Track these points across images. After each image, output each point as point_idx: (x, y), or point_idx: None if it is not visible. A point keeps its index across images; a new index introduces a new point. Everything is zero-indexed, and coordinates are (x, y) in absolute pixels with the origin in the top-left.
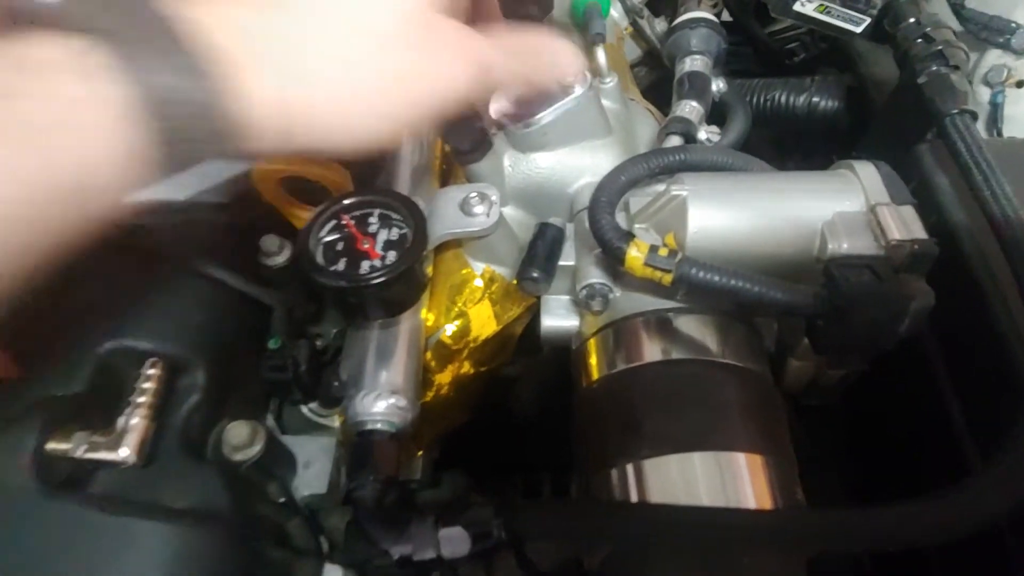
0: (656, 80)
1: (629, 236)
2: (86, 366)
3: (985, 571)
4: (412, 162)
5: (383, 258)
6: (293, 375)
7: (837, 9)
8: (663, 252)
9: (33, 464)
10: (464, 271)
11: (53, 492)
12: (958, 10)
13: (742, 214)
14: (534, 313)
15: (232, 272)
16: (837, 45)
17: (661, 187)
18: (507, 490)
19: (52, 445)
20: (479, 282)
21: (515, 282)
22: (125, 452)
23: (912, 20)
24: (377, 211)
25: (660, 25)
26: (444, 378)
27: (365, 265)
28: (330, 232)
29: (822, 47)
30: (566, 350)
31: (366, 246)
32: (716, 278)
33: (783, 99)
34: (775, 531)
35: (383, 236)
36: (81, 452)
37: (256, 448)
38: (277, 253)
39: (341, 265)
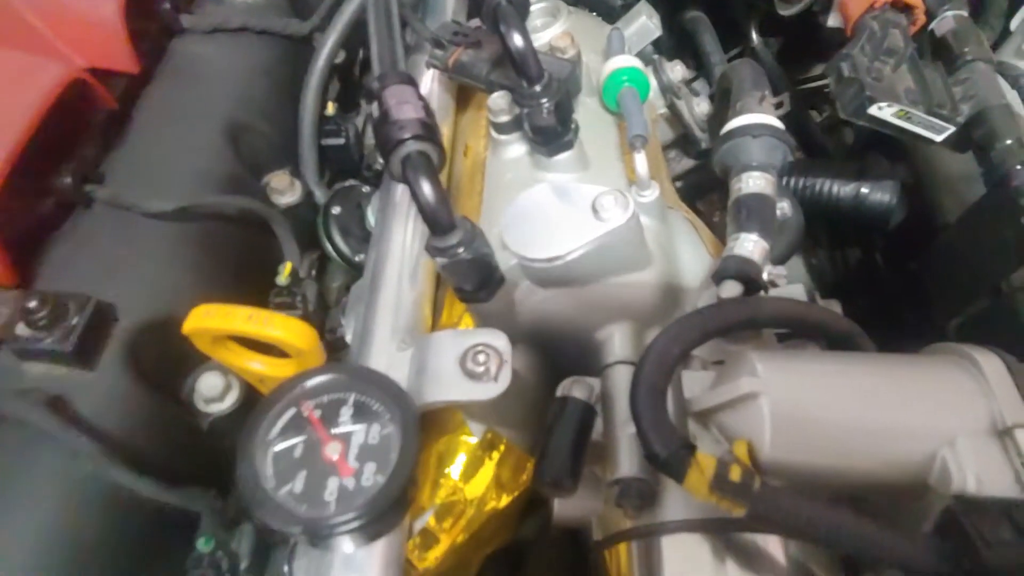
0: (689, 167)
1: (689, 448)
2: None
3: None
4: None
5: (358, 474)
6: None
7: (919, 116)
8: (734, 474)
9: None
10: (458, 435)
11: None
12: None
13: (833, 421)
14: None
15: (156, 461)
16: None
17: (723, 351)
18: None
19: None
20: (477, 448)
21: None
22: None
23: (1011, 141)
24: (352, 398)
25: (700, 106)
26: (425, 566)
27: (332, 485)
28: (285, 429)
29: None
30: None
31: (335, 455)
32: (805, 518)
33: (827, 187)
34: None
35: (358, 438)
36: None
37: None
38: (219, 398)
39: (299, 484)
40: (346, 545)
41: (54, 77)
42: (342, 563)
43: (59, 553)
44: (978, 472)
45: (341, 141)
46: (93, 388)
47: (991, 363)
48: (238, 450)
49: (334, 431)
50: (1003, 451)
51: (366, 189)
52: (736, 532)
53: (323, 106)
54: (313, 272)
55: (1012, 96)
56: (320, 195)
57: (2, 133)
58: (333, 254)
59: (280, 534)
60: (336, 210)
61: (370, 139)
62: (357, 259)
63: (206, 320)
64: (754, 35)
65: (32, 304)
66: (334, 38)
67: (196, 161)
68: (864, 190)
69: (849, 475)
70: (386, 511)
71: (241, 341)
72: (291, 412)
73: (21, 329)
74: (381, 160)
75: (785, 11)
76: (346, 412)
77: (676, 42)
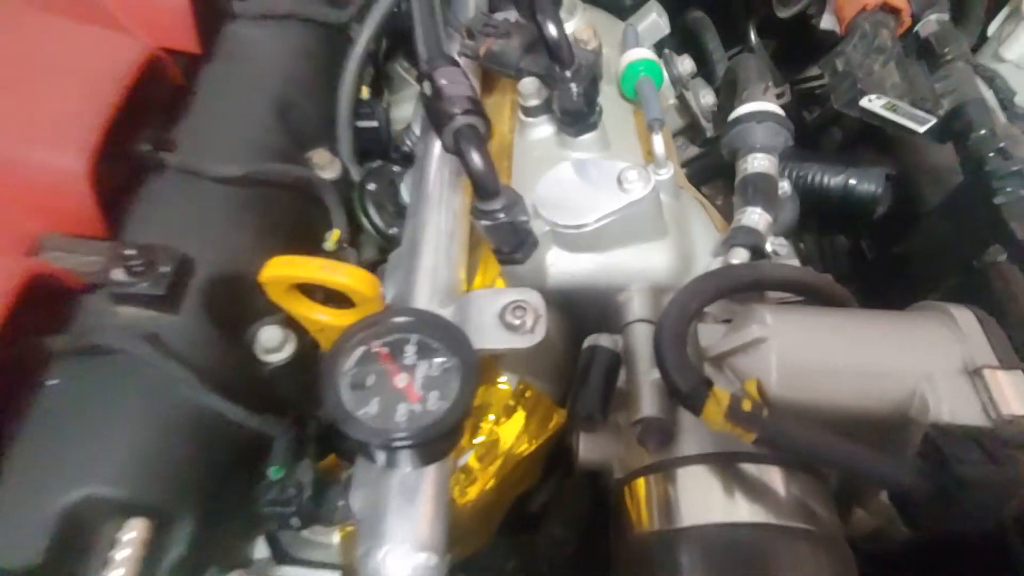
0: (696, 154)
1: (707, 384)
2: (46, 525)
3: None
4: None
5: (423, 400)
6: (297, 507)
7: (905, 108)
8: (747, 405)
9: None
10: (494, 385)
11: None
12: (1007, 105)
13: (829, 363)
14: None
15: (227, 399)
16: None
17: (732, 310)
18: None
19: None
20: (511, 398)
21: (546, 394)
22: None
23: (985, 131)
24: (414, 337)
25: (707, 98)
26: (465, 501)
27: (402, 410)
28: (359, 363)
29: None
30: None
31: (403, 384)
32: (806, 442)
33: (818, 178)
34: None
35: (422, 371)
36: None
37: None
38: (278, 348)
39: (373, 407)
40: (405, 465)
41: (138, 53)
42: (399, 488)
43: (152, 468)
44: (951, 405)
45: (374, 124)
46: (177, 329)
47: (964, 315)
48: (323, 380)
49: (401, 364)
50: (973, 388)
51: (397, 168)
52: (745, 463)
53: (358, 91)
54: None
55: (988, 94)
56: (355, 172)
57: (96, 102)
58: (368, 227)
59: (359, 447)
60: (371, 186)
61: (396, 123)
62: (391, 232)
63: (284, 268)
64: (752, 35)
65: (129, 252)
66: (372, 28)
67: (251, 133)
68: (852, 180)
69: (844, 409)
70: (445, 434)
71: (306, 294)
72: (362, 349)
73: (118, 275)
74: (408, 142)
75: (783, 13)
76: (410, 349)
77: (680, 40)
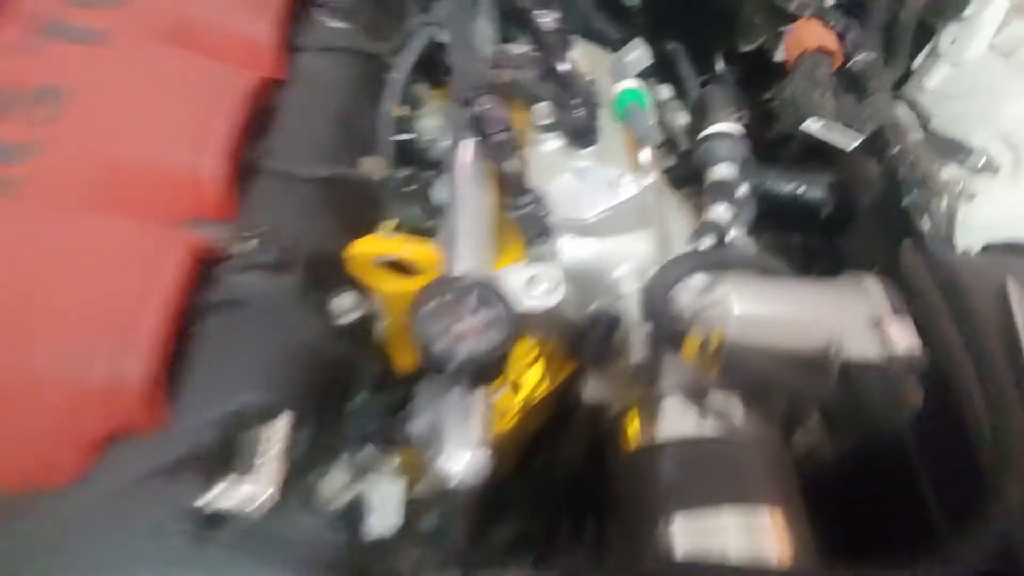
0: (673, 164)
1: (685, 329)
2: (219, 422)
3: None
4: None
5: (478, 340)
6: (375, 426)
7: (838, 128)
8: (713, 345)
9: (192, 511)
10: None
11: (203, 537)
12: (925, 127)
13: (773, 317)
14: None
15: (337, 335)
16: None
17: (702, 281)
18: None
19: (203, 493)
20: (534, 349)
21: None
22: (266, 497)
23: (899, 148)
24: (472, 295)
25: (682, 119)
26: (499, 429)
27: (463, 346)
28: (432, 312)
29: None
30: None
31: (464, 328)
32: (755, 371)
33: (772, 186)
34: None
35: (479, 318)
36: (225, 497)
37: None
38: (352, 310)
39: (444, 343)
40: (464, 385)
41: (248, 80)
42: (456, 407)
43: (284, 384)
44: (860, 344)
45: (409, 137)
46: (285, 289)
47: (872, 283)
48: (411, 324)
49: (463, 314)
50: (873, 333)
51: (427, 173)
52: (711, 393)
53: (396, 108)
54: None
55: (911, 116)
56: (394, 177)
57: (226, 118)
58: (408, 220)
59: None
60: (409, 188)
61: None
62: (425, 226)
63: (370, 245)
64: (719, 64)
65: (252, 233)
66: (409, 59)
67: (322, 142)
68: (802, 188)
69: (783, 351)
70: (494, 363)
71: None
72: (434, 302)
73: (243, 249)
74: (436, 151)
75: (743, 48)
76: (469, 303)
77: (659, 67)
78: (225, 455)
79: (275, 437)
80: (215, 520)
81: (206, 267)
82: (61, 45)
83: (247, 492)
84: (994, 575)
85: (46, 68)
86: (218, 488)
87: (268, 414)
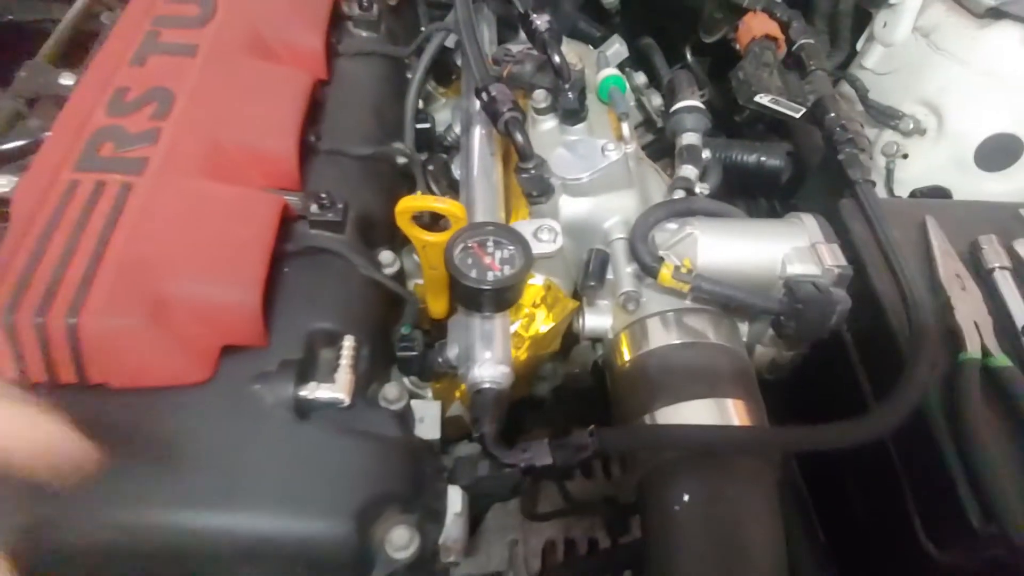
0: (651, 140)
1: (661, 259)
2: (304, 340)
3: (881, 481)
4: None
5: (501, 270)
6: (416, 352)
7: (784, 102)
8: (684, 270)
9: (292, 402)
10: (530, 281)
11: (300, 420)
12: (864, 99)
13: (732, 247)
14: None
15: (386, 277)
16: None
17: (674, 225)
18: None
19: (299, 391)
20: (541, 289)
21: (562, 290)
22: (343, 395)
23: (833, 114)
24: (491, 238)
25: (656, 100)
26: (515, 355)
27: (490, 275)
28: (462, 251)
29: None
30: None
31: (488, 260)
32: (718, 289)
33: (738, 156)
34: (752, 440)
35: (499, 255)
36: (316, 395)
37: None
38: (391, 264)
39: (473, 272)
40: (488, 308)
41: (307, 80)
42: (481, 330)
43: (349, 311)
44: (799, 264)
45: (428, 125)
46: (346, 242)
47: (809, 218)
48: (448, 260)
49: (486, 251)
50: (810, 255)
51: (445, 155)
52: (685, 312)
53: (417, 103)
54: None
55: (850, 92)
56: (417, 158)
57: (294, 111)
58: (429, 194)
59: (466, 295)
60: (431, 167)
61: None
62: (446, 196)
63: (411, 202)
64: (688, 54)
65: (322, 195)
66: (426, 61)
67: (362, 129)
68: (763, 157)
69: (740, 272)
70: (513, 287)
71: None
72: (463, 245)
73: (314, 210)
74: (449, 138)
75: (707, 39)
76: (490, 244)
77: (635, 59)
78: (309, 365)
79: (344, 354)
80: (307, 409)
81: (286, 224)
82: (163, 58)
83: (328, 393)
84: (906, 431)
85: (154, 75)
86: (307, 388)
87: (337, 336)
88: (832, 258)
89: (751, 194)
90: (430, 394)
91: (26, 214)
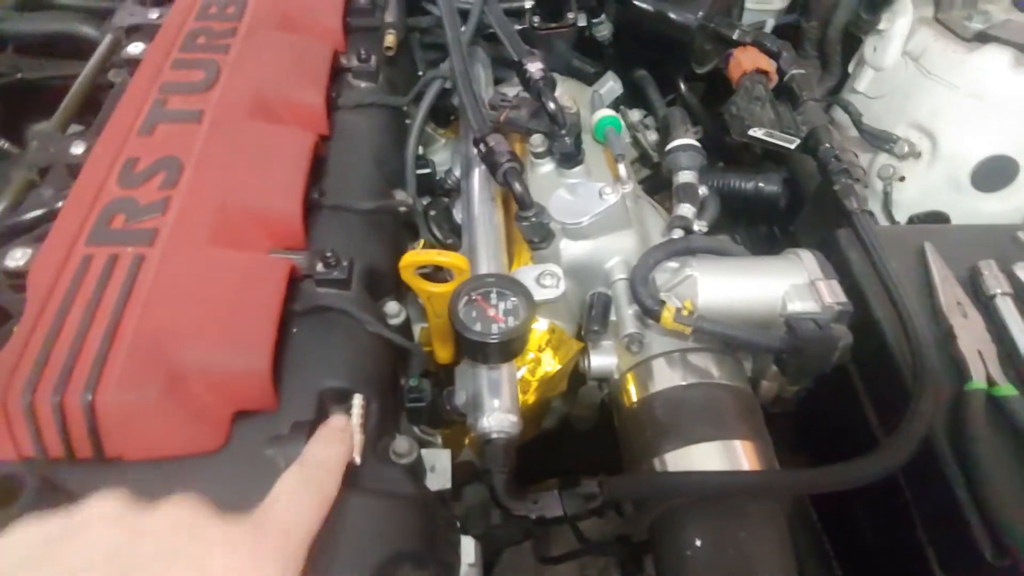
0: (647, 175)
1: (662, 303)
2: (314, 400)
3: (892, 512)
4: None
5: (505, 322)
6: (424, 403)
7: (778, 135)
8: (685, 312)
9: None
10: (534, 326)
11: None
12: (857, 123)
13: (732, 286)
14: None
15: (393, 330)
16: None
17: (675, 264)
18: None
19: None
20: (546, 333)
21: (566, 332)
22: (355, 456)
23: (827, 145)
24: (495, 289)
25: (652, 136)
26: (523, 400)
27: (495, 327)
28: (466, 304)
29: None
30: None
31: (492, 313)
32: (720, 330)
33: (736, 184)
34: (762, 484)
35: (502, 306)
36: None
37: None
38: (397, 315)
39: (478, 325)
40: (495, 359)
41: (310, 139)
42: (488, 379)
43: (358, 370)
44: (799, 302)
45: (428, 171)
46: (352, 299)
47: (807, 255)
48: (452, 314)
49: (490, 303)
50: (811, 291)
51: (446, 199)
52: (688, 352)
53: (417, 149)
54: None
55: (844, 117)
56: (419, 204)
57: (298, 170)
58: (432, 239)
59: (471, 348)
60: (432, 212)
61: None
62: (448, 242)
63: (415, 257)
64: (682, 85)
65: (327, 255)
66: (424, 109)
67: (364, 181)
68: (761, 184)
69: (740, 311)
70: (517, 339)
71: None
72: (466, 298)
73: (320, 268)
74: (450, 180)
75: (699, 70)
76: (493, 295)
77: (630, 91)
78: (320, 426)
79: (355, 413)
80: None
81: (293, 283)
82: (170, 125)
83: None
84: (914, 462)
85: (162, 144)
86: None
87: (347, 394)
88: (832, 295)
89: (750, 220)
90: (439, 439)
91: (43, 289)
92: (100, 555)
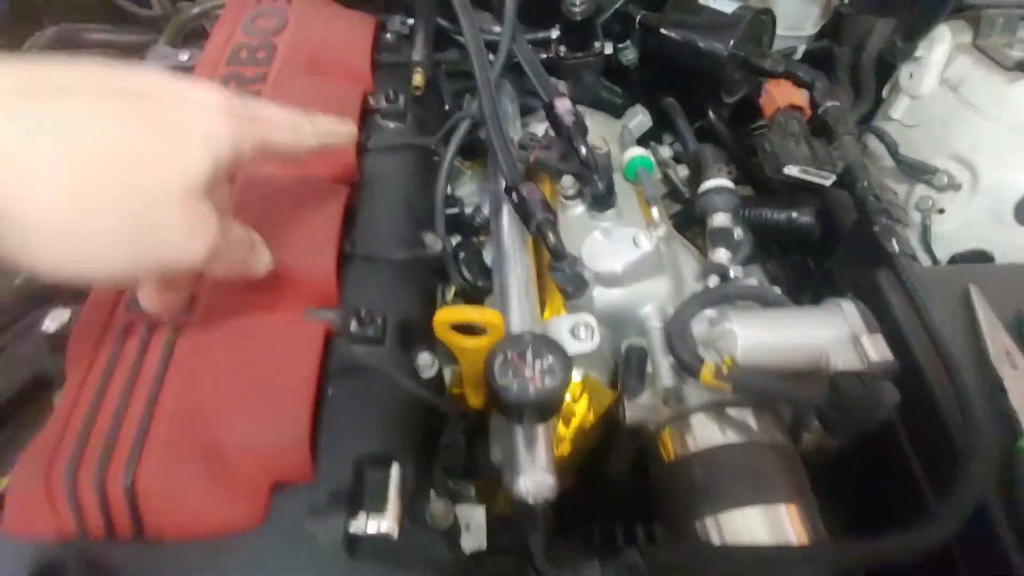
0: (677, 209)
1: (701, 359)
2: (351, 467)
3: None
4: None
5: (541, 382)
6: (461, 461)
7: (813, 171)
8: (725, 369)
9: (343, 539)
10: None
11: (351, 558)
12: (894, 154)
13: (771, 340)
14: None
15: (427, 389)
16: None
17: (712, 313)
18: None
19: (349, 527)
20: (579, 385)
21: (600, 381)
22: (392, 528)
23: (865, 183)
24: (529, 347)
25: (681, 172)
26: (558, 453)
27: (530, 388)
28: (502, 364)
29: None
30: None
31: (528, 373)
32: (760, 385)
33: (771, 215)
34: (812, 558)
35: (538, 366)
36: (367, 531)
37: None
38: (430, 366)
39: (514, 386)
40: (531, 420)
41: (341, 192)
42: (525, 438)
43: (394, 434)
44: (843, 358)
45: (457, 210)
46: (386, 356)
47: (850, 306)
48: (488, 376)
49: (525, 362)
50: (852, 347)
51: (476, 240)
52: (728, 407)
53: (446, 190)
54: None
55: (878, 145)
56: (449, 246)
57: (331, 225)
58: (462, 283)
59: (506, 410)
60: (462, 255)
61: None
62: (479, 284)
63: (449, 314)
64: (711, 114)
65: (361, 314)
66: (453, 149)
67: (394, 227)
68: (795, 215)
69: (782, 367)
70: (555, 401)
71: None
72: (502, 357)
73: (354, 327)
74: (478, 219)
75: (728, 99)
76: (528, 354)
77: (657, 119)
78: (358, 495)
79: (392, 482)
80: (359, 543)
81: (327, 343)
82: None
83: (377, 527)
84: (965, 528)
85: None
86: (357, 522)
87: (383, 459)
88: (876, 352)
89: (782, 249)
90: (472, 491)
91: (84, 358)
92: None
